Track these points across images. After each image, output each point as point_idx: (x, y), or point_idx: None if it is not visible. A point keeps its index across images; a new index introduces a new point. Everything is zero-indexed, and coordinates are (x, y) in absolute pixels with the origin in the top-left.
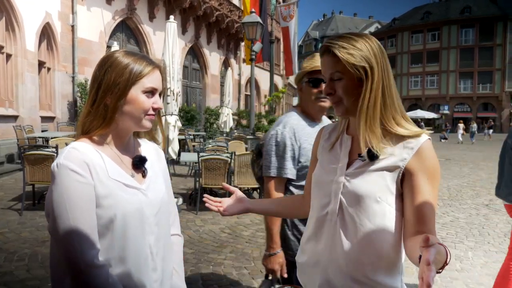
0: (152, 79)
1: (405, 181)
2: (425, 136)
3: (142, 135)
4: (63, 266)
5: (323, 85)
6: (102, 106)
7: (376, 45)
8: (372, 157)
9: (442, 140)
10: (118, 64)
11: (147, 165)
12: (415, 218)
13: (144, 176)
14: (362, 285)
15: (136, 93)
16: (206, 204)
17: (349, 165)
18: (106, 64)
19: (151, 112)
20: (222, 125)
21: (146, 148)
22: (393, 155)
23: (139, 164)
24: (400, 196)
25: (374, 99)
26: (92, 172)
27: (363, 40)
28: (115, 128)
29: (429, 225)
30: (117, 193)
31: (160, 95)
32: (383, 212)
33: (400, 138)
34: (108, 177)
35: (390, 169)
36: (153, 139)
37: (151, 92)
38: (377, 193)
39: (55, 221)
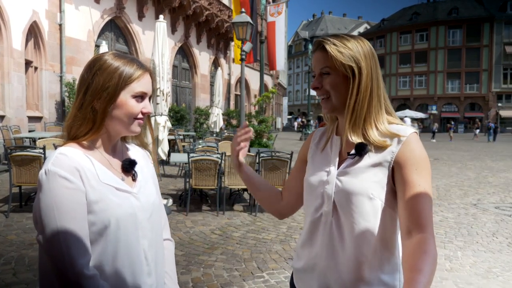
0: (142, 83)
1: (395, 175)
2: (412, 129)
3: (129, 139)
4: (52, 276)
5: None
6: (90, 110)
7: (368, 47)
8: (361, 151)
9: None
10: (108, 67)
11: (136, 168)
12: (407, 213)
13: (134, 179)
14: (361, 285)
15: (125, 97)
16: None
17: (340, 165)
18: (95, 67)
19: (140, 116)
20: (212, 125)
21: (134, 152)
22: (382, 149)
23: (128, 167)
24: (392, 192)
25: (362, 99)
26: (82, 178)
27: (355, 41)
28: (105, 133)
29: (422, 218)
30: (109, 197)
31: (149, 99)
32: (376, 209)
33: (388, 134)
34: (99, 182)
35: (379, 164)
36: (142, 144)
37: (140, 97)
38: (369, 189)
39: (43, 231)
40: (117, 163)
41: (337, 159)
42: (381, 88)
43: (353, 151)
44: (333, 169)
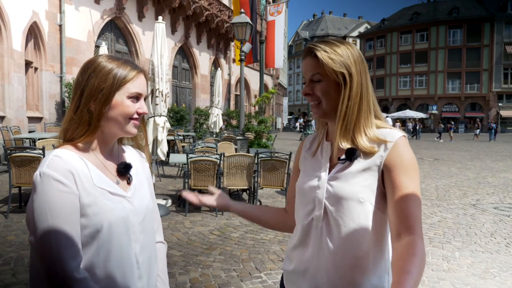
0: (136, 84)
1: (385, 179)
2: (400, 133)
3: (125, 141)
4: (43, 278)
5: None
6: (86, 112)
7: (357, 52)
8: (351, 156)
9: (436, 139)
10: (102, 69)
11: (132, 172)
12: (396, 215)
13: (129, 183)
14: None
15: (121, 98)
16: (185, 196)
17: (330, 170)
18: (89, 70)
19: (135, 116)
20: (212, 126)
21: (130, 155)
22: (371, 154)
23: (124, 171)
24: (382, 195)
25: (353, 105)
26: (76, 181)
27: (344, 46)
28: (101, 135)
29: (410, 221)
30: (102, 201)
31: (144, 99)
32: (366, 213)
33: (377, 139)
34: (93, 185)
35: (369, 168)
36: (137, 146)
37: (136, 97)
38: (360, 193)
39: (35, 232)
40: (112, 166)
41: (328, 164)
42: (370, 93)
43: (343, 156)
44: (324, 174)
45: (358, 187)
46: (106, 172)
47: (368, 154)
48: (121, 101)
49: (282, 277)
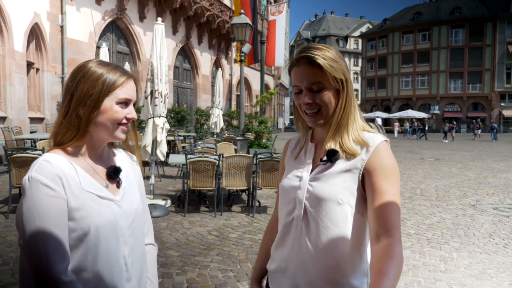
0: (126, 90)
1: (365, 182)
2: (382, 138)
3: (116, 144)
4: (31, 280)
5: None
6: (75, 117)
7: (342, 56)
8: (332, 157)
9: (444, 140)
10: (91, 75)
11: (121, 175)
12: (375, 218)
13: (118, 186)
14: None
15: (110, 104)
16: None
17: (313, 171)
18: (79, 75)
19: (124, 122)
20: (213, 126)
21: (121, 158)
22: (353, 157)
23: (113, 174)
24: (362, 198)
25: (348, 109)
26: (64, 185)
27: (333, 51)
28: (89, 139)
29: (389, 224)
30: (90, 205)
31: (134, 105)
32: (345, 214)
33: (360, 142)
34: (81, 189)
35: (350, 170)
36: (128, 149)
37: (125, 103)
38: (339, 195)
39: (24, 235)
40: (102, 170)
41: (311, 165)
42: (354, 95)
43: (324, 158)
44: (306, 175)
45: (337, 188)
46: (95, 176)
47: (350, 156)
48: (110, 106)
49: (267, 278)
